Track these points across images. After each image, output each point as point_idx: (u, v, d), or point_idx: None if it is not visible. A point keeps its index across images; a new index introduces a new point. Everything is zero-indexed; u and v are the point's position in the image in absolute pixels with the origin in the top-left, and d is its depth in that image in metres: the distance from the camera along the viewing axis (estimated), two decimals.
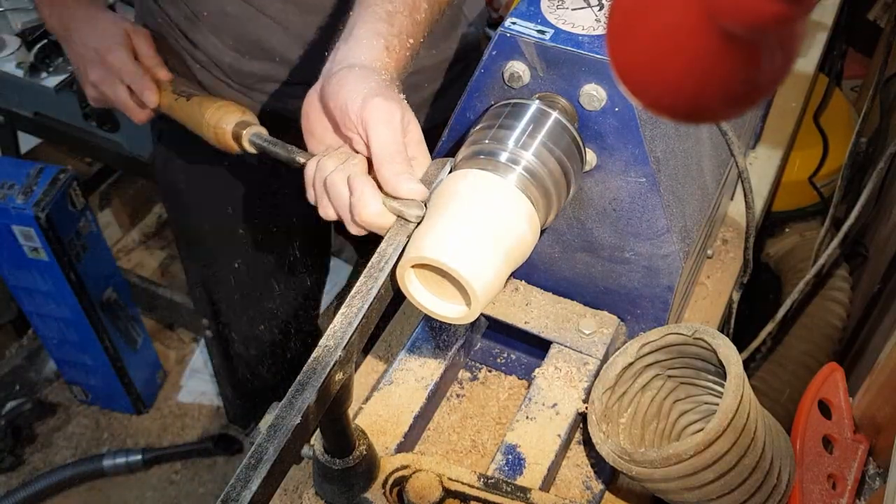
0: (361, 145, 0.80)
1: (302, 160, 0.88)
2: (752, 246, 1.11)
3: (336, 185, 0.78)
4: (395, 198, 0.76)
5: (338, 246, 2.50)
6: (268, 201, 1.47)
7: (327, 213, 0.81)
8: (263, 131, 1.04)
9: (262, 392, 1.86)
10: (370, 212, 0.76)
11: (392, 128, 0.77)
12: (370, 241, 0.78)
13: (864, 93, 2.00)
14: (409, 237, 0.76)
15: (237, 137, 1.05)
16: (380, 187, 0.77)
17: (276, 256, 1.58)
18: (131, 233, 2.80)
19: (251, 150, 1.03)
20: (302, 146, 0.89)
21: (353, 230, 0.79)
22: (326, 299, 2.35)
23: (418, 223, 0.76)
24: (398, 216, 0.76)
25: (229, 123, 1.06)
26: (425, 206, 0.77)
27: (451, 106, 0.90)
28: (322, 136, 0.84)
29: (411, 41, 0.89)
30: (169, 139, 1.46)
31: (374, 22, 0.86)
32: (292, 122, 0.92)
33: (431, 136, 0.84)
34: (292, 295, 1.66)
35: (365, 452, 0.81)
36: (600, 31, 0.80)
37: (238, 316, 1.67)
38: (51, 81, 1.92)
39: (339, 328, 0.69)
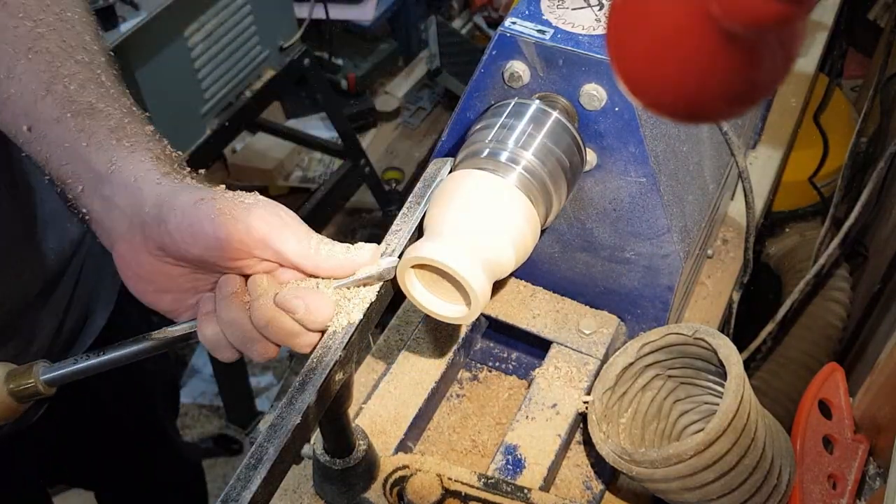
0: (258, 265, 0.68)
1: (181, 330, 0.71)
2: (752, 246, 1.11)
3: (271, 319, 0.66)
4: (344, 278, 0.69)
5: None
6: None
7: (268, 354, 0.68)
8: (46, 363, 0.74)
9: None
10: (326, 311, 0.67)
11: (295, 224, 0.68)
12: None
13: (864, 93, 2.00)
14: (410, 239, 0.75)
15: (27, 392, 0.73)
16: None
17: None
18: None
19: (49, 392, 0.74)
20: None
21: (307, 350, 0.68)
22: None
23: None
24: (376, 281, 0.70)
25: None
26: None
27: None
28: (179, 287, 0.70)
29: (149, 128, 0.73)
30: None
31: (113, 142, 0.69)
32: None
33: None
34: None
35: (365, 452, 0.81)
36: (600, 30, 0.80)
37: None
38: None
39: (340, 328, 0.69)
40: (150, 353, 0.71)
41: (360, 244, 0.70)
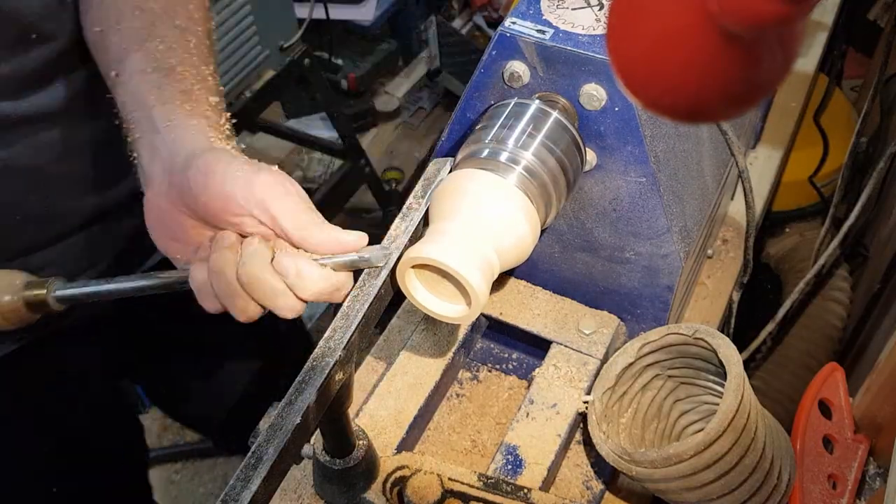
0: (256, 227, 0.71)
1: (179, 275, 0.74)
2: (752, 246, 1.11)
3: (256, 276, 0.68)
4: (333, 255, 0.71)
5: None
6: None
7: (248, 313, 0.70)
8: (62, 281, 0.80)
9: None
10: (318, 280, 0.69)
11: (297, 196, 0.71)
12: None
13: (864, 93, 2.00)
14: (410, 239, 0.75)
15: (39, 304, 0.79)
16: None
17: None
18: None
19: (58, 308, 0.80)
20: None
21: (289, 314, 0.70)
22: None
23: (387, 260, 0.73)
24: (363, 268, 0.72)
25: (14, 294, 0.79)
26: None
27: None
28: (188, 238, 0.73)
29: (214, 99, 0.81)
30: None
31: (178, 102, 0.77)
32: None
33: None
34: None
35: (365, 452, 0.81)
36: (600, 30, 0.80)
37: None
38: None
39: (339, 328, 0.69)
40: (151, 290, 0.76)
41: (350, 231, 0.72)
